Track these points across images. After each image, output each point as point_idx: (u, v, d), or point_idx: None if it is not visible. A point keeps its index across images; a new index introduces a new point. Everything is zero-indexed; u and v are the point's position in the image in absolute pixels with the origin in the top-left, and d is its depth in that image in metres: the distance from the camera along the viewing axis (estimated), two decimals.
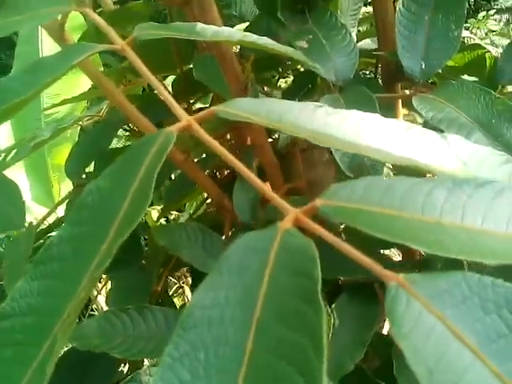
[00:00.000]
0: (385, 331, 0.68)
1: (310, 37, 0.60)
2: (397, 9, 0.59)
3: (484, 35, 4.13)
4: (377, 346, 0.53)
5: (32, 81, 0.30)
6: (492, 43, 4.08)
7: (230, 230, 0.67)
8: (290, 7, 0.64)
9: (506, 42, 4.00)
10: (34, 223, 0.58)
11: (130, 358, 0.52)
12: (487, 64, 0.73)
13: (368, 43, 0.81)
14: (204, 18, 0.50)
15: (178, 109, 0.30)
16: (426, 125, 0.67)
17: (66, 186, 1.89)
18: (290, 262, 0.22)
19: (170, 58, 0.73)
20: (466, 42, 0.76)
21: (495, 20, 4.17)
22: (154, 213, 1.90)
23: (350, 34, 0.61)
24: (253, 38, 0.34)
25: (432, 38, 0.57)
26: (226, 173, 0.77)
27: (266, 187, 0.63)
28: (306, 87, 0.71)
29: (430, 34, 0.57)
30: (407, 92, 0.77)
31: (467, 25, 4.07)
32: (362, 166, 0.51)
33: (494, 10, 3.52)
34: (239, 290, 0.22)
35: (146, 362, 0.82)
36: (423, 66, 0.57)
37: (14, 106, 0.29)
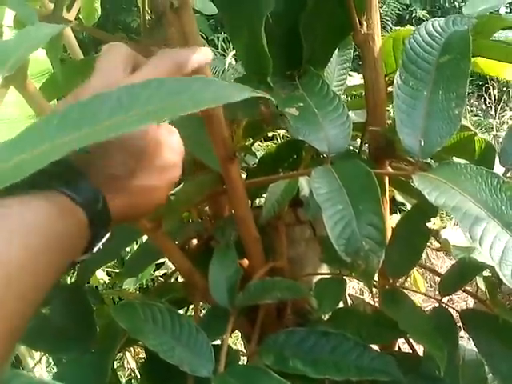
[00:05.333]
0: None
1: (301, 104, 0.56)
2: (394, 82, 0.56)
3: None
4: None
5: None
6: None
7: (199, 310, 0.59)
8: (279, 72, 0.60)
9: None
10: None
11: None
12: (476, 147, 0.71)
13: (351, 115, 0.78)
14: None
15: None
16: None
17: None
18: None
19: None
20: None
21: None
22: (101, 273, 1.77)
23: (343, 105, 0.58)
24: None
25: (431, 114, 0.54)
26: (196, 243, 0.70)
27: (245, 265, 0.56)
28: (291, 157, 0.66)
29: (429, 111, 0.54)
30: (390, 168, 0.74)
31: None
32: (360, 249, 0.45)
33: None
34: None
35: None
36: (422, 144, 0.53)
37: None
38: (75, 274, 0.76)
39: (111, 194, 0.31)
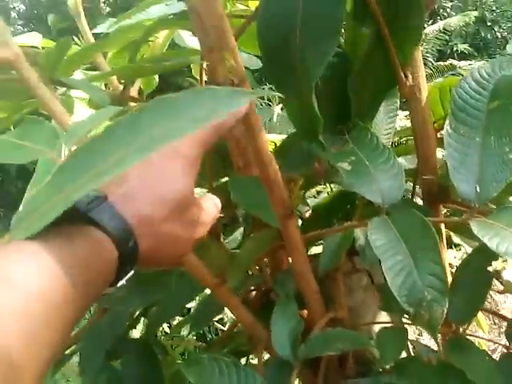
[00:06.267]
0: None
1: (353, 158, 0.58)
2: (445, 131, 0.57)
3: None
4: None
5: None
6: None
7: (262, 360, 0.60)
8: (329, 128, 0.62)
9: None
10: None
11: None
12: None
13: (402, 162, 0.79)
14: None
15: None
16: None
17: None
18: None
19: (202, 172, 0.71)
20: None
21: None
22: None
23: (394, 156, 0.59)
24: None
25: (485, 160, 0.54)
26: (255, 294, 0.72)
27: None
28: (345, 207, 0.67)
29: (482, 157, 0.54)
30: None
31: None
32: (423, 300, 0.46)
33: None
34: None
35: None
36: (478, 190, 0.53)
37: None
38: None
39: (141, 234, 0.33)
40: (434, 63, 4.67)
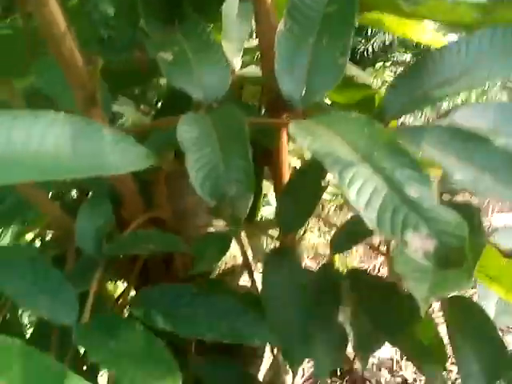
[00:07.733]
0: None
1: (176, 49, 0.53)
2: (278, 29, 0.54)
3: (380, 84, 4.43)
4: None
5: None
6: None
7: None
8: (156, 15, 0.56)
9: None
10: None
11: None
12: (376, 103, 0.71)
13: (253, 69, 0.75)
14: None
15: None
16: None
17: None
18: None
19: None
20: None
21: (391, 71, 4.47)
22: None
23: (222, 51, 0.55)
24: None
25: (315, 63, 0.52)
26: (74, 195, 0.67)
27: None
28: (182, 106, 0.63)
29: (313, 59, 0.52)
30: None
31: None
32: (226, 194, 0.43)
33: (390, 62, 3.77)
34: None
35: None
36: (303, 92, 0.52)
37: None
38: None
39: None
40: None
